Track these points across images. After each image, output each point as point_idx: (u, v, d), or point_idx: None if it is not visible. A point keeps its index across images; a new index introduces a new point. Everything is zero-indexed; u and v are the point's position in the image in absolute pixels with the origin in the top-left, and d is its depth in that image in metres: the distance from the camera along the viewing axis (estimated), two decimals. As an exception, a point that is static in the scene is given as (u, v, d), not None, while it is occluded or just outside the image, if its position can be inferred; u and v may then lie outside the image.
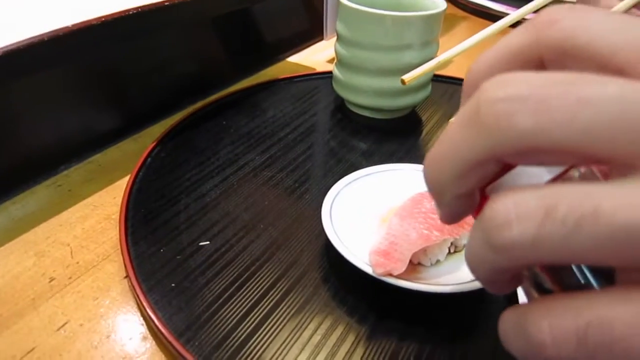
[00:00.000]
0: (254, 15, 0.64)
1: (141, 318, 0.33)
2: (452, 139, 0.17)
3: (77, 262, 0.37)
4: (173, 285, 0.34)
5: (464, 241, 0.36)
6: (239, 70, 0.64)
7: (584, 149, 0.14)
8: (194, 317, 0.32)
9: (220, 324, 0.31)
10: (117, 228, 0.40)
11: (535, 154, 0.15)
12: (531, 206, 0.14)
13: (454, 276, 0.33)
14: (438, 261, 0.35)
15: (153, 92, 0.54)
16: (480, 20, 0.89)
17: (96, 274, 0.36)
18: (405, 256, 0.32)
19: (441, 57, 0.40)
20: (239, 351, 0.30)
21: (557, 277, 0.17)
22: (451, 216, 0.19)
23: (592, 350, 0.13)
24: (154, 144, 0.47)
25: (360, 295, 0.34)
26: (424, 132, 0.54)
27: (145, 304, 0.32)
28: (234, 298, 0.33)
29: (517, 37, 0.18)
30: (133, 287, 0.33)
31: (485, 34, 0.40)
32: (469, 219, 0.19)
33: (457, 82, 0.63)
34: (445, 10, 0.51)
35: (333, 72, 0.56)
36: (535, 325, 0.15)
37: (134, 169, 0.44)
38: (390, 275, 0.32)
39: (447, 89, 0.61)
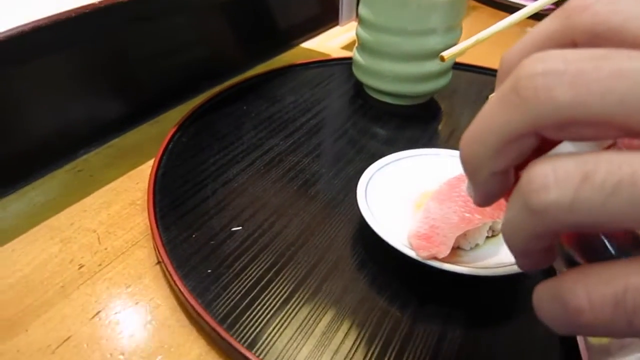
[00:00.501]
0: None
1: (178, 305, 0.32)
2: (490, 114, 0.17)
3: (106, 249, 0.36)
4: (209, 271, 0.33)
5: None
6: (253, 56, 0.63)
7: (620, 120, 0.14)
8: (234, 303, 0.31)
9: (262, 311, 0.30)
10: (144, 214, 0.39)
11: (573, 127, 0.15)
12: (570, 170, 0.14)
13: (495, 259, 0.33)
14: (477, 245, 0.34)
15: (169, 77, 0.53)
16: (490, 9, 0.88)
17: (126, 260, 0.35)
18: (448, 239, 0.32)
19: (480, 35, 0.39)
20: (284, 338, 0.29)
21: (587, 254, 0.17)
22: (486, 197, 0.19)
23: (630, 314, 0.14)
24: (175, 128, 0.46)
25: (400, 281, 0.33)
26: (445, 119, 0.53)
27: (183, 290, 0.31)
28: (273, 284, 0.32)
29: (549, 24, 0.18)
30: (169, 273, 0.32)
31: (522, 14, 0.39)
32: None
33: (476, 70, 0.62)
34: (469, -7, 0.50)
35: (353, 56, 0.55)
36: (572, 292, 0.15)
37: (157, 154, 0.43)
38: (435, 258, 0.31)
39: (466, 77, 0.61)
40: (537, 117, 0.15)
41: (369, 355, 0.28)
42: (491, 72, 0.62)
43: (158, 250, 0.34)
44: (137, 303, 0.32)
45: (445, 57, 0.40)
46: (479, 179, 0.18)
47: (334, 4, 0.65)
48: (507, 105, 0.16)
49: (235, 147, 0.45)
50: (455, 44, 0.52)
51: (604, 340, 0.19)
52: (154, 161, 0.42)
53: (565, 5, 0.17)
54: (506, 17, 0.40)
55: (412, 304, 0.32)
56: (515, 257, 0.18)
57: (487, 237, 0.35)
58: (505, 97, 0.16)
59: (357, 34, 0.54)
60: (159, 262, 0.35)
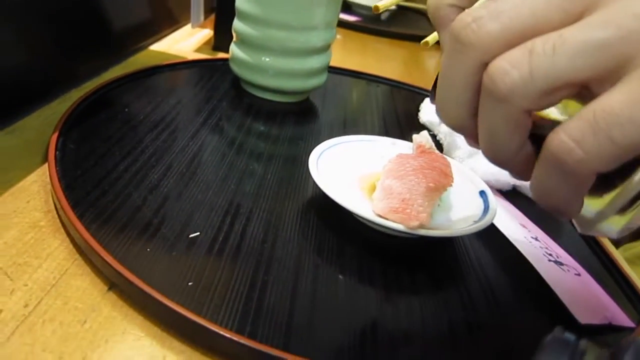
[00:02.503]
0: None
1: (165, 332, 0.26)
2: (447, 72, 0.21)
3: (26, 285, 0.27)
4: (191, 283, 0.27)
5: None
6: (104, 58, 0.55)
7: (534, 26, 0.19)
8: (240, 308, 0.26)
9: (274, 310, 0.27)
10: (58, 236, 0.30)
11: (508, 47, 0.19)
12: (517, 54, 0.19)
13: (457, 221, 0.36)
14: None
15: (14, 79, 0.42)
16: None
17: (63, 293, 0.26)
18: (426, 208, 0.33)
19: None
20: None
21: None
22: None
23: (607, 131, 0.17)
24: (56, 135, 0.37)
25: (388, 257, 0.33)
26: (334, 112, 0.55)
27: (178, 308, 0.25)
28: (269, 285, 0.29)
29: None
30: (145, 295, 0.25)
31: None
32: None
33: (343, 72, 0.66)
34: (342, -6, 0.53)
35: (232, 52, 0.52)
36: (555, 143, 0.18)
37: (47, 164, 0.34)
38: (422, 227, 0.32)
39: (334, 78, 0.63)
40: (483, 50, 0.19)
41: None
42: (353, 75, 0.66)
43: (116, 271, 0.26)
44: (106, 341, 0.25)
45: (380, 7, 0.42)
46: (465, 128, 0.22)
47: (169, 7, 0.61)
48: (456, 55, 0.20)
49: (142, 152, 0.38)
50: (331, 43, 0.54)
51: (602, 203, 0.21)
52: (50, 174, 0.33)
53: None
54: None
55: (404, 273, 0.32)
56: (509, 170, 0.22)
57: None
58: (452, 51, 0.20)
59: (235, 29, 0.51)
60: (112, 287, 0.27)
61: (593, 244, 0.39)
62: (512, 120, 0.19)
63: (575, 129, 0.18)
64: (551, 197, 0.20)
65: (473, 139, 0.23)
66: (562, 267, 0.35)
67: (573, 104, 0.22)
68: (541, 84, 0.18)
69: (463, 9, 0.23)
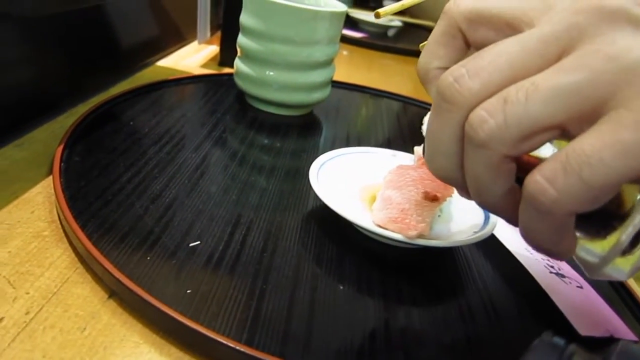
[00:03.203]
0: (112, 15, 0.56)
1: (164, 340, 0.26)
2: (435, 129, 0.22)
3: (27, 293, 0.27)
4: (189, 291, 0.28)
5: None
6: (112, 74, 0.56)
7: (509, 76, 0.20)
8: (230, 320, 0.26)
9: (273, 318, 0.27)
10: (61, 245, 0.31)
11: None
12: (493, 102, 0.19)
13: (457, 232, 0.36)
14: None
15: (22, 93, 0.43)
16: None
17: (64, 301, 0.27)
18: (425, 218, 0.33)
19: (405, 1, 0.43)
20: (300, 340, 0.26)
21: None
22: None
23: (577, 170, 0.17)
24: (61, 147, 0.38)
25: (388, 267, 0.33)
26: (338, 126, 0.56)
27: (178, 317, 0.25)
28: (267, 295, 0.29)
29: (439, 25, 0.24)
30: (144, 302, 0.26)
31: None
32: None
33: (345, 87, 0.66)
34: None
35: (236, 67, 0.53)
36: (531, 184, 0.18)
37: (52, 176, 0.34)
38: (422, 237, 0.32)
39: (338, 93, 0.64)
40: (466, 107, 0.20)
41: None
42: (357, 89, 0.67)
43: (116, 279, 0.27)
44: (105, 348, 0.25)
45: (381, 14, 0.42)
46: (454, 179, 0.22)
47: (176, 24, 0.62)
48: (442, 113, 0.21)
49: (145, 163, 0.39)
50: (334, 57, 0.55)
51: (606, 245, 0.21)
52: (54, 185, 0.33)
53: (444, 8, 0.24)
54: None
55: (403, 283, 0.32)
56: (499, 215, 0.22)
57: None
58: (437, 109, 0.21)
59: (239, 44, 0.52)
60: (112, 294, 0.28)
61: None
62: (494, 165, 0.20)
63: (548, 169, 0.18)
64: (536, 238, 0.20)
65: (463, 190, 0.23)
66: (563, 279, 0.35)
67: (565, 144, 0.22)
68: (516, 130, 0.19)
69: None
